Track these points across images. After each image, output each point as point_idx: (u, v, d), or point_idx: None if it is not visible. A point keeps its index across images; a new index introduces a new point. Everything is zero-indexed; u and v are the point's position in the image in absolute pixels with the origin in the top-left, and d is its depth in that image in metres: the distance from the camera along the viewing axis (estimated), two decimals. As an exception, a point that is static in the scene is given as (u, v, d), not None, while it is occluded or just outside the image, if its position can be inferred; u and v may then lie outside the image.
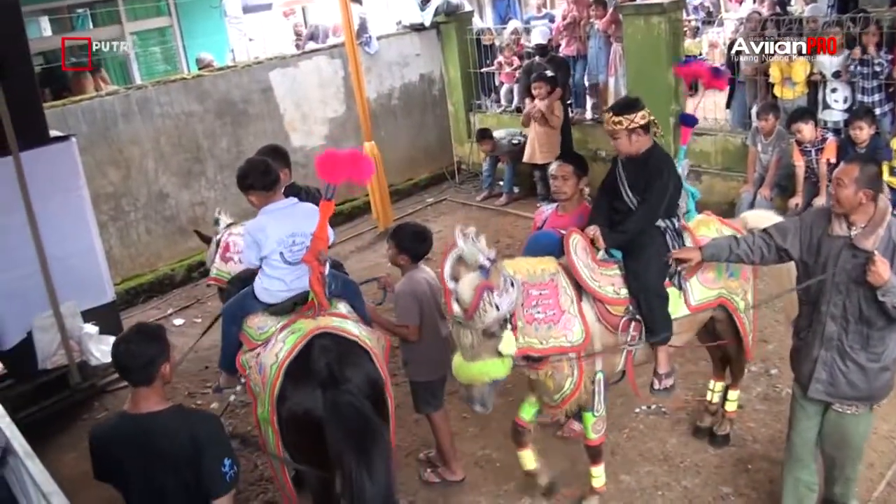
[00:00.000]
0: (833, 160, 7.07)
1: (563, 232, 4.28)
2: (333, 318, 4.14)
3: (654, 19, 8.57)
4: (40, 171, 5.81)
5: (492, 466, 5.12)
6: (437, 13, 10.90)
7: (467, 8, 11.34)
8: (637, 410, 5.47)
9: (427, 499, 4.91)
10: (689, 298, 4.38)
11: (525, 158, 9.61)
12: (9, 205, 5.66)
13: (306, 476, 4.19)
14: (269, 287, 4.25)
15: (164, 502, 3.09)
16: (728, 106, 9.36)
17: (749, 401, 5.46)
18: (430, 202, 10.72)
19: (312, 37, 11.59)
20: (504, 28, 11.29)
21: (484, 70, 11.05)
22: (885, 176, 6.86)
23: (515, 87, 10.59)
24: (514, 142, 10.02)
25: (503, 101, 10.94)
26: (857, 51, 7.51)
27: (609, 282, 4.17)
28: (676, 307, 4.32)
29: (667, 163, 4.27)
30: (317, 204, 4.25)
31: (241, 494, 5.07)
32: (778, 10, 9.57)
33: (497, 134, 10.16)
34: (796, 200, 7.48)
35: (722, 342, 4.82)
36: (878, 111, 7.43)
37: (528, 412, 4.46)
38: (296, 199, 4.43)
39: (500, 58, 10.77)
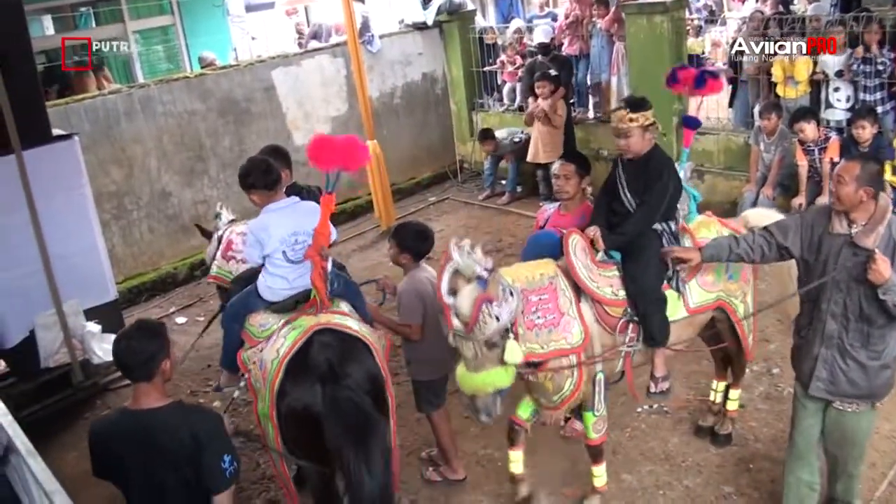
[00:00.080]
0: (836, 159, 7.05)
1: (564, 231, 4.28)
2: (335, 315, 4.16)
3: (656, 18, 8.57)
4: (43, 170, 5.81)
5: (493, 465, 5.12)
6: (439, 12, 10.90)
7: (470, 7, 11.33)
8: (639, 410, 5.47)
9: (429, 497, 4.91)
10: (687, 301, 4.37)
11: (528, 158, 9.60)
12: (11, 203, 5.66)
13: (306, 472, 4.21)
14: (272, 285, 4.26)
15: (163, 498, 3.10)
16: (730, 105, 9.36)
17: (751, 400, 5.46)
18: (433, 201, 10.72)
19: (315, 35, 11.58)
20: (507, 27, 11.28)
21: (486, 69, 11.04)
22: (888, 175, 6.85)
23: (518, 86, 10.58)
24: (516, 140, 10.02)
25: (506, 100, 10.93)
26: (860, 49, 7.50)
27: (608, 283, 4.16)
28: (675, 309, 4.32)
29: (667, 165, 4.27)
30: (318, 203, 4.26)
31: (243, 493, 5.09)
32: (781, 8, 9.54)
33: (499, 134, 10.15)
34: (800, 200, 7.48)
35: (722, 345, 4.82)
36: (880, 110, 7.42)
37: (525, 410, 4.46)
38: (297, 199, 4.44)
39: (503, 57, 10.76)
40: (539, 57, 9.92)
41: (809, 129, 7.29)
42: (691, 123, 4.95)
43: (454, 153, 11.61)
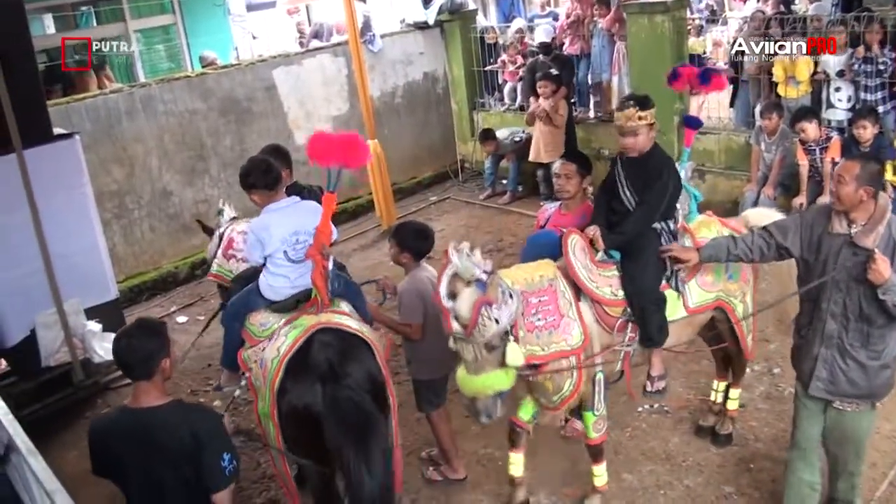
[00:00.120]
0: (837, 159, 7.04)
1: (564, 231, 4.27)
2: (335, 314, 4.16)
3: (657, 18, 8.57)
4: (44, 169, 5.81)
5: (494, 465, 5.12)
6: (440, 11, 10.90)
7: (471, 6, 11.32)
8: (639, 409, 5.47)
9: (429, 497, 4.91)
10: (687, 301, 4.37)
11: (531, 158, 9.59)
12: (12, 202, 5.66)
13: (307, 471, 4.21)
14: (274, 284, 4.26)
15: (162, 496, 3.11)
16: (731, 105, 9.36)
17: (752, 400, 5.46)
18: (434, 200, 10.72)
19: (317, 35, 11.59)
20: (508, 26, 11.27)
21: (488, 68, 11.03)
22: (889, 175, 6.85)
23: (519, 86, 10.58)
24: (517, 139, 10.02)
25: (506, 100, 10.93)
26: (861, 49, 7.50)
27: (607, 283, 4.16)
28: (674, 309, 4.32)
29: (667, 164, 4.26)
30: (319, 202, 4.26)
31: (243, 492, 5.09)
32: (782, 8, 9.54)
33: (499, 133, 10.16)
34: (800, 200, 7.47)
35: (722, 345, 4.82)
36: (881, 109, 7.42)
37: (526, 411, 4.46)
38: (298, 198, 4.44)
39: (504, 56, 10.76)
40: (540, 56, 9.91)
41: (811, 129, 7.28)
42: (692, 123, 4.95)
43: (455, 152, 11.61)
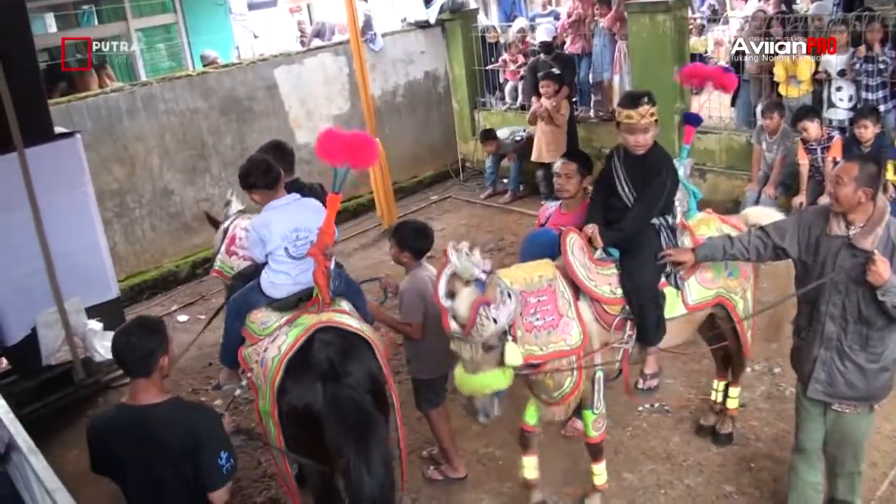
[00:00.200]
0: (839, 159, 7.04)
1: (562, 229, 4.26)
2: (336, 313, 4.17)
3: (659, 17, 8.56)
4: (45, 168, 5.82)
5: (494, 464, 5.13)
6: (442, 10, 10.89)
7: (472, 5, 11.31)
8: (640, 409, 5.47)
9: (430, 496, 4.92)
10: (686, 298, 4.37)
11: (533, 157, 9.58)
12: (13, 201, 5.67)
13: (307, 470, 4.21)
14: (276, 281, 4.27)
15: (161, 494, 3.11)
16: (733, 104, 9.35)
17: (752, 399, 5.46)
18: (435, 200, 10.72)
19: (318, 34, 11.59)
20: (509, 26, 11.27)
21: (489, 67, 11.03)
22: (889, 174, 6.85)
23: (520, 85, 10.58)
24: (517, 138, 10.02)
25: (508, 99, 10.92)
26: (863, 49, 7.49)
27: (606, 281, 4.15)
28: (674, 306, 4.31)
29: (667, 161, 4.25)
30: (319, 200, 4.25)
31: (244, 491, 5.10)
32: (783, 7, 9.54)
33: (500, 133, 10.16)
34: (800, 199, 7.46)
35: (722, 343, 4.82)
36: (882, 108, 7.42)
37: (532, 417, 4.47)
38: (298, 195, 4.45)
39: (505, 55, 10.75)
40: (541, 55, 9.90)
41: (813, 128, 7.27)
42: (693, 120, 4.96)
43: (456, 152, 11.60)
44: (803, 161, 7.47)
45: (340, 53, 10.08)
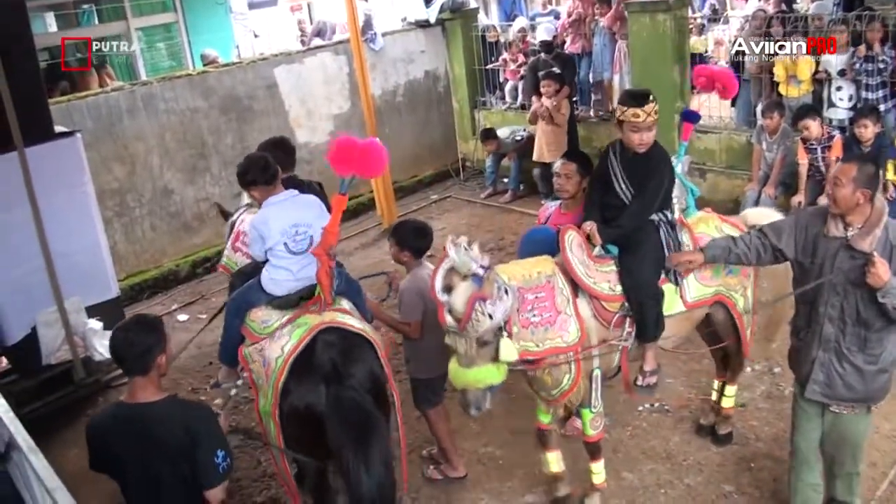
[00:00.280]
0: (841, 158, 7.04)
1: (561, 227, 4.25)
2: (338, 313, 4.17)
3: (659, 16, 8.56)
4: (45, 167, 5.82)
5: (494, 464, 5.13)
6: (442, 10, 10.88)
7: (472, 5, 11.31)
8: (640, 408, 5.48)
9: (429, 495, 4.92)
10: (685, 295, 4.36)
11: (534, 157, 9.58)
12: (13, 200, 5.67)
13: (304, 468, 4.21)
14: (276, 277, 4.27)
15: (159, 491, 3.13)
16: (733, 104, 9.32)
17: (752, 399, 5.46)
18: (435, 199, 10.72)
19: (319, 33, 11.59)
20: (509, 25, 11.27)
21: (489, 67, 11.03)
22: (890, 174, 6.85)
23: (520, 84, 10.57)
24: (517, 138, 10.02)
25: (508, 98, 10.92)
26: (863, 48, 7.49)
27: (605, 278, 4.15)
28: (672, 303, 4.31)
29: (665, 158, 4.25)
30: (317, 196, 4.25)
31: (244, 491, 5.10)
32: (784, 7, 9.54)
33: (500, 132, 10.16)
34: (799, 198, 7.46)
35: (721, 344, 4.81)
36: (882, 108, 7.42)
37: (545, 416, 4.49)
38: (296, 192, 4.46)
39: (505, 54, 10.75)
40: (542, 55, 9.90)
41: (814, 127, 7.25)
42: (691, 117, 4.94)
43: (456, 151, 11.60)
44: (802, 161, 7.47)
45: (340, 53, 10.08)
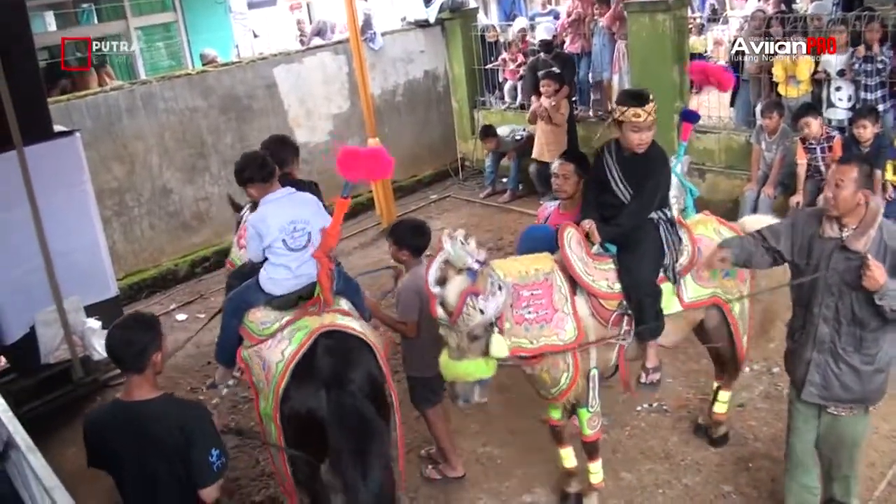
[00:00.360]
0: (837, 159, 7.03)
1: (560, 225, 4.25)
2: (337, 315, 4.16)
3: (658, 16, 8.55)
4: (44, 166, 5.82)
5: (493, 463, 5.13)
6: (441, 9, 10.88)
7: (472, 4, 11.31)
8: (638, 408, 5.48)
9: (428, 495, 4.92)
10: (682, 294, 4.36)
11: (534, 156, 9.59)
12: (12, 200, 5.67)
13: (297, 465, 4.21)
14: (275, 276, 4.27)
15: (155, 489, 3.14)
16: (732, 104, 9.34)
17: (751, 399, 5.47)
18: (434, 199, 10.72)
19: (319, 32, 11.58)
20: (509, 25, 11.27)
21: (488, 66, 11.03)
22: (889, 174, 6.85)
23: (519, 84, 10.57)
24: (517, 137, 10.03)
25: (507, 98, 10.93)
26: (862, 48, 7.49)
27: (603, 276, 4.15)
28: (669, 303, 4.30)
29: (663, 157, 4.25)
30: (314, 195, 4.25)
31: (243, 490, 5.10)
32: (783, 7, 9.54)
33: (500, 131, 10.16)
34: (797, 198, 7.45)
35: (716, 344, 4.80)
36: (881, 108, 7.41)
37: (555, 412, 4.50)
38: (293, 189, 4.45)
39: (505, 54, 10.76)
40: (541, 55, 9.91)
41: (815, 125, 7.22)
42: (690, 117, 4.94)
43: (455, 151, 11.60)
44: (801, 161, 7.46)
45: (340, 52, 10.08)
